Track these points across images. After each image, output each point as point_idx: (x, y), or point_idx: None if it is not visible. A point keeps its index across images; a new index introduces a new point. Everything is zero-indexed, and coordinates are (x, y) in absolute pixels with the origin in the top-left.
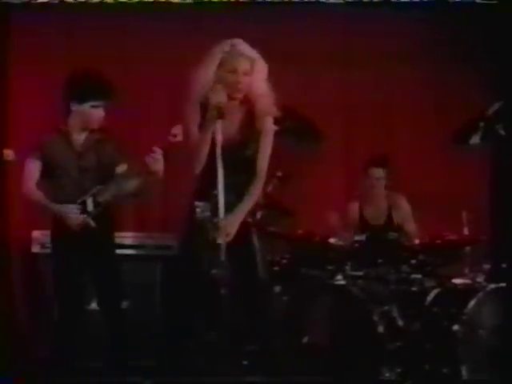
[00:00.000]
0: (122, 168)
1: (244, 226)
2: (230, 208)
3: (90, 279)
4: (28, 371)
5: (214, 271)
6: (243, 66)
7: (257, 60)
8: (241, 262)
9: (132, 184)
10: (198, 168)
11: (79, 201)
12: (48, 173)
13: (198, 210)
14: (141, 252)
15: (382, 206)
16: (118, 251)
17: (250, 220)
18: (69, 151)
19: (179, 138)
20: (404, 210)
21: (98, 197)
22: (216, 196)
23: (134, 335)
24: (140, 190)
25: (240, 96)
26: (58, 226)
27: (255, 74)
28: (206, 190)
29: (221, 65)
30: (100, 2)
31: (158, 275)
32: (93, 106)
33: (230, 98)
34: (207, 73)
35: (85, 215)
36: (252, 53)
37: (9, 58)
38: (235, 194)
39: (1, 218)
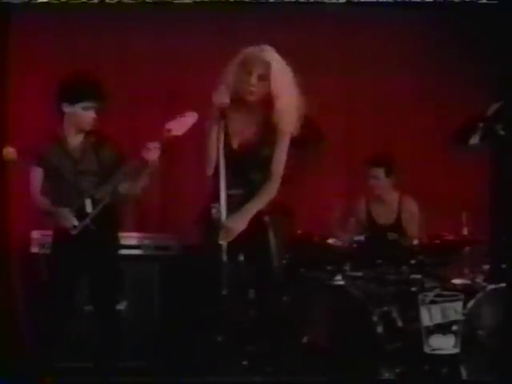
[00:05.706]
0: (120, 169)
1: (260, 225)
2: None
3: (89, 280)
4: (28, 371)
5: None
6: (259, 69)
7: (273, 65)
8: (256, 261)
9: (127, 185)
10: (210, 170)
11: (78, 203)
12: (48, 178)
13: (213, 210)
14: (139, 252)
15: (393, 208)
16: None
17: (266, 219)
18: (65, 156)
19: (174, 133)
20: (413, 216)
21: (95, 197)
22: (231, 196)
23: (132, 335)
24: (135, 191)
25: (252, 99)
26: (59, 228)
27: (274, 79)
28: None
29: (240, 66)
30: (100, 2)
31: (156, 275)
32: (84, 108)
33: (243, 99)
34: (228, 72)
35: (84, 218)
36: (271, 57)
37: (9, 58)
38: (249, 195)
39: (0, 218)
